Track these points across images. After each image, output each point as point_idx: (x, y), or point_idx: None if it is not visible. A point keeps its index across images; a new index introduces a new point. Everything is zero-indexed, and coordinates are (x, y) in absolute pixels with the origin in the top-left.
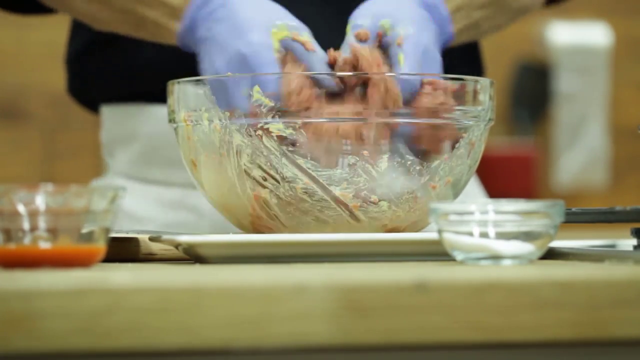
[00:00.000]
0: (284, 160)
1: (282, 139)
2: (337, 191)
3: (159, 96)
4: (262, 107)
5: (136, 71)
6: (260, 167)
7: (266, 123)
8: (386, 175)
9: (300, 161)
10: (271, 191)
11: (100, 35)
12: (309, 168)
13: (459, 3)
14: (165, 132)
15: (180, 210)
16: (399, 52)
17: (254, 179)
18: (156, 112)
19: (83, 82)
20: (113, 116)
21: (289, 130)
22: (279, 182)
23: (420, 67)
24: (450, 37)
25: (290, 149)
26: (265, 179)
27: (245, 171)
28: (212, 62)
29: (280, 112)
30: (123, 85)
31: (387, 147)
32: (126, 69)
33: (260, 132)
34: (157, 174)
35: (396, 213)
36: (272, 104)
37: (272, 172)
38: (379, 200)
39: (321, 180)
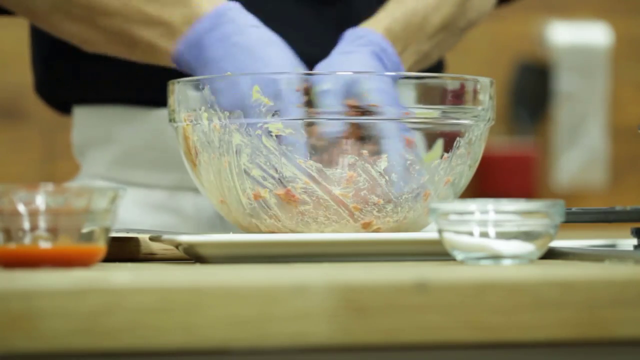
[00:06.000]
0: (283, 159)
1: (281, 139)
2: (336, 191)
3: (139, 98)
4: (261, 107)
5: (112, 74)
6: (259, 166)
7: (265, 122)
8: (386, 174)
9: (300, 161)
10: (271, 191)
11: (66, 47)
12: (308, 168)
13: (405, 42)
14: (147, 134)
15: (163, 213)
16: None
17: (254, 178)
18: (136, 115)
19: (54, 84)
20: (87, 117)
21: (289, 130)
22: (279, 182)
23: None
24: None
25: (289, 148)
26: (265, 179)
27: (245, 171)
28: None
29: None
30: (99, 87)
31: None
32: (101, 71)
33: (259, 131)
34: (138, 176)
35: (396, 213)
36: (271, 103)
37: (271, 172)
38: (379, 200)
39: (321, 180)
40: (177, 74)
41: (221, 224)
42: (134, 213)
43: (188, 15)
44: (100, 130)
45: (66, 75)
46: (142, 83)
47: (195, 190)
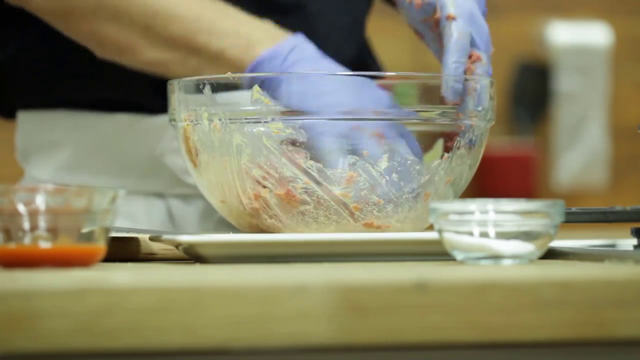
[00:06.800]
0: (283, 159)
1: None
2: (337, 191)
3: (88, 104)
4: (262, 107)
5: (60, 79)
6: (260, 166)
7: (266, 122)
8: (386, 174)
9: (300, 161)
10: (271, 191)
11: (21, 46)
12: (308, 167)
13: None
14: (96, 139)
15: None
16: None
17: (254, 178)
18: (84, 120)
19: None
20: (32, 122)
21: (289, 130)
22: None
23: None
24: (484, 6)
25: (290, 148)
26: (265, 179)
27: (246, 170)
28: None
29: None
30: (44, 93)
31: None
32: (49, 77)
33: (260, 131)
34: (88, 181)
35: (396, 213)
36: (271, 103)
37: (271, 172)
38: (379, 200)
39: (321, 180)
40: (125, 77)
41: (172, 226)
42: None
43: (270, 34)
44: (46, 135)
45: (11, 81)
46: (90, 88)
47: (145, 194)
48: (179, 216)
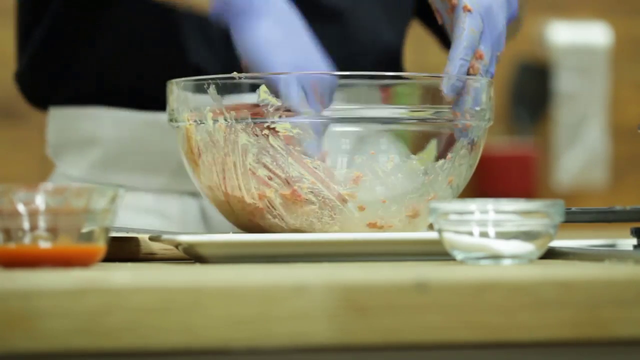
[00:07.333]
0: (290, 159)
1: (288, 138)
2: (343, 191)
3: (123, 100)
4: (269, 107)
5: (96, 74)
6: (265, 166)
7: (273, 122)
8: (392, 174)
9: (307, 160)
10: (276, 191)
11: (58, 38)
12: (315, 167)
13: None
14: (130, 136)
15: (148, 216)
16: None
17: (260, 178)
18: (120, 116)
19: (37, 79)
20: (65, 119)
21: (296, 130)
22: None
23: (477, 38)
24: (515, 9)
25: (297, 148)
26: (270, 178)
27: (251, 170)
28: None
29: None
30: (82, 87)
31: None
32: (85, 71)
33: (266, 131)
34: (122, 179)
35: (400, 213)
36: (278, 103)
37: (277, 172)
38: (384, 200)
39: (327, 180)
40: (157, 75)
41: (205, 225)
42: (119, 216)
43: None
44: (79, 132)
45: (52, 72)
46: (128, 85)
47: (179, 192)
48: (212, 216)
